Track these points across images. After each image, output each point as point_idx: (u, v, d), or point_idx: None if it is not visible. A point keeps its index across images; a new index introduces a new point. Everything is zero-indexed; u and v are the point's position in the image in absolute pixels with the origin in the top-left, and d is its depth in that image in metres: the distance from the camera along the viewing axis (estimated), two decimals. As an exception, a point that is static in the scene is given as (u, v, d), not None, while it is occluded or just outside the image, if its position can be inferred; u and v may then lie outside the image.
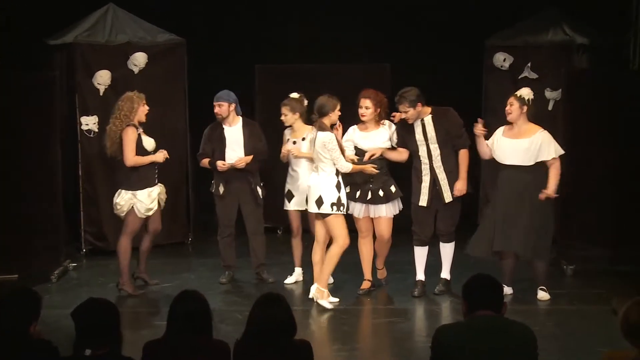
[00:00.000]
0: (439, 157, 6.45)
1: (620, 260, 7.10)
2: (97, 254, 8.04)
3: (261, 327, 3.32)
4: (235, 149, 6.82)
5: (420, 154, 6.47)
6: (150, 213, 6.55)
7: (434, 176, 6.46)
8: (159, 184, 6.67)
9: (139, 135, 6.47)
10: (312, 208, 6.32)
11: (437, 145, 6.44)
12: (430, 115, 6.47)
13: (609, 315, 5.91)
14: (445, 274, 6.66)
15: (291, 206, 6.87)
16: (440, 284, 6.62)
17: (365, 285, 6.75)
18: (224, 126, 6.87)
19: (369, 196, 6.59)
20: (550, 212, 6.31)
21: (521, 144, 6.23)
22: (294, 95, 6.85)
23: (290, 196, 6.87)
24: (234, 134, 6.84)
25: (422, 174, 6.46)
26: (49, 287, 6.93)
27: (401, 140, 6.57)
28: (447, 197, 6.47)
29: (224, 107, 6.81)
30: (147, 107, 6.54)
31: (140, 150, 6.47)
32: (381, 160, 6.56)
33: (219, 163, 6.77)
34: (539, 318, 5.99)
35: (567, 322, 5.99)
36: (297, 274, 6.99)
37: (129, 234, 6.60)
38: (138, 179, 6.48)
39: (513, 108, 6.26)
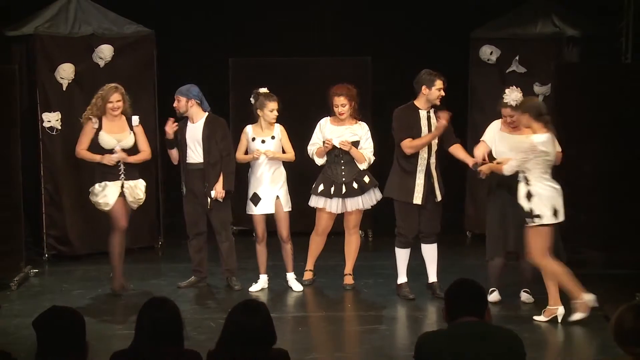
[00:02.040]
0: (436, 153, 6.55)
1: (612, 263, 7.17)
2: (60, 260, 7.97)
3: (237, 336, 3.31)
4: (195, 149, 6.78)
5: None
6: (100, 208, 6.62)
7: (429, 173, 6.51)
8: (131, 180, 6.67)
9: (98, 130, 6.60)
10: (554, 219, 5.96)
11: (436, 141, 6.53)
12: (432, 110, 6.55)
13: (602, 321, 5.97)
14: (434, 277, 6.72)
15: (257, 210, 6.85)
16: (438, 289, 6.62)
17: (308, 275, 7.07)
18: (188, 123, 6.84)
19: (344, 190, 6.76)
20: None
21: (524, 140, 6.27)
22: (265, 90, 6.82)
23: (256, 199, 6.84)
24: (195, 132, 6.79)
25: (417, 170, 6.49)
26: (8, 295, 6.87)
27: (409, 129, 6.46)
28: (439, 196, 6.59)
29: (181, 102, 6.79)
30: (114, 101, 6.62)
31: (95, 146, 6.62)
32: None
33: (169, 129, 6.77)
34: (528, 324, 6.03)
35: (558, 328, 6.03)
36: (263, 281, 6.98)
37: (111, 229, 6.73)
38: (97, 171, 6.65)
39: (515, 119, 6.29)
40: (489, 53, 8.45)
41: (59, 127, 7.92)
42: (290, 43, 9.15)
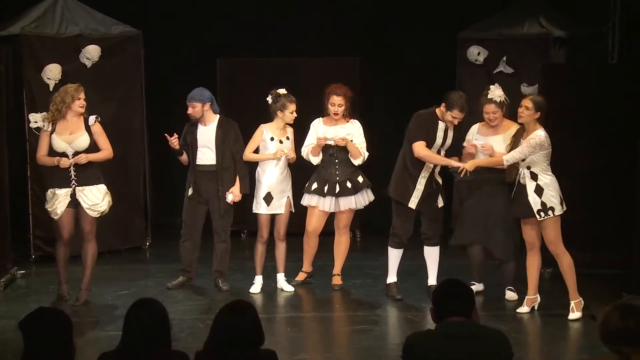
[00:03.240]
0: (440, 165, 6.57)
1: (598, 263, 7.21)
2: (47, 261, 7.92)
3: (225, 337, 3.31)
4: (206, 151, 6.75)
5: None
6: (55, 216, 6.43)
7: (433, 180, 6.53)
8: (86, 186, 6.42)
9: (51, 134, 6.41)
10: (562, 208, 6.08)
11: (445, 152, 6.56)
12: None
13: (588, 320, 6.00)
14: (433, 280, 6.73)
15: (269, 210, 6.83)
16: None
17: (301, 276, 7.08)
18: (199, 125, 6.80)
19: (338, 189, 6.76)
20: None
21: (496, 140, 6.37)
22: (284, 91, 6.79)
23: (269, 199, 6.81)
24: (207, 134, 6.77)
25: (420, 176, 6.49)
26: (-5, 297, 6.85)
27: (425, 134, 6.43)
28: (440, 202, 6.63)
29: (197, 108, 6.74)
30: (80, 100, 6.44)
31: (50, 150, 6.44)
32: (346, 151, 6.75)
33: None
34: (515, 324, 6.06)
35: (545, 328, 6.07)
36: (260, 282, 6.96)
37: (57, 239, 6.56)
38: (49, 177, 6.51)
39: (497, 115, 6.36)
40: (476, 54, 8.48)
41: (46, 128, 7.88)
42: (279, 43, 9.15)
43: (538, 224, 6.12)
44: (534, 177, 6.06)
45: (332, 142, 6.73)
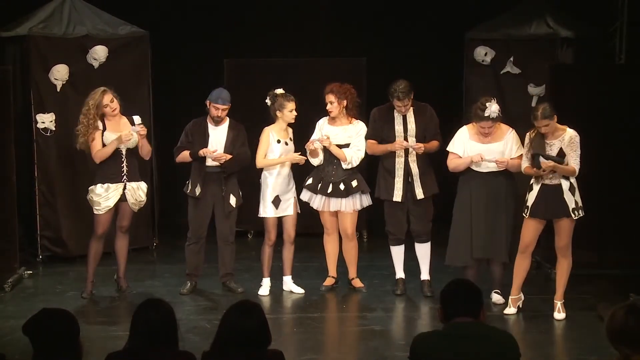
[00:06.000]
0: (415, 152, 6.59)
1: (605, 264, 7.19)
2: (54, 261, 7.95)
3: (232, 337, 3.31)
4: (216, 150, 6.72)
5: None
6: (102, 211, 6.58)
7: (408, 171, 6.60)
8: (134, 182, 6.67)
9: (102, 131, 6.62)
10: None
11: (414, 139, 6.60)
12: (412, 109, 6.62)
13: (593, 321, 5.98)
14: (424, 275, 6.81)
15: (278, 213, 6.80)
16: (426, 286, 6.75)
17: (329, 281, 6.99)
18: (208, 124, 6.78)
19: (330, 189, 6.75)
20: (517, 212, 6.40)
21: (496, 148, 6.29)
22: (281, 91, 6.76)
23: (278, 202, 6.79)
24: (218, 134, 6.74)
25: (396, 168, 6.63)
26: (2, 297, 6.85)
27: (377, 131, 6.67)
28: (419, 194, 6.63)
29: (227, 109, 6.72)
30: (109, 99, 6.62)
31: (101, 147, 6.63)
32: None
33: (206, 151, 6.58)
34: (521, 324, 6.05)
35: (551, 328, 6.05)
36: (268, 284, 6.94)
37: (93, 234, 6.69)
38: (98, 173, 6.63)
39: (493, 129, 6.28)
40: (483, 54, 8.46)
41: (53, 129, 7.90)
42: (286, 44, 9.15)
43: (541, 227, 6.09)
44: (565, 176, 6.06)
45: (317, 145, 6.70)
